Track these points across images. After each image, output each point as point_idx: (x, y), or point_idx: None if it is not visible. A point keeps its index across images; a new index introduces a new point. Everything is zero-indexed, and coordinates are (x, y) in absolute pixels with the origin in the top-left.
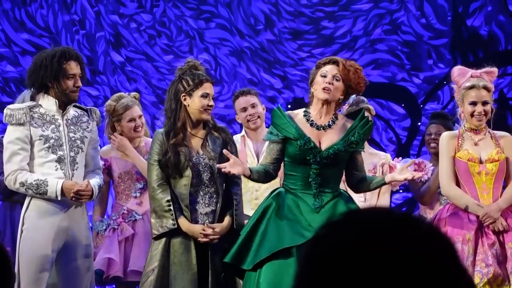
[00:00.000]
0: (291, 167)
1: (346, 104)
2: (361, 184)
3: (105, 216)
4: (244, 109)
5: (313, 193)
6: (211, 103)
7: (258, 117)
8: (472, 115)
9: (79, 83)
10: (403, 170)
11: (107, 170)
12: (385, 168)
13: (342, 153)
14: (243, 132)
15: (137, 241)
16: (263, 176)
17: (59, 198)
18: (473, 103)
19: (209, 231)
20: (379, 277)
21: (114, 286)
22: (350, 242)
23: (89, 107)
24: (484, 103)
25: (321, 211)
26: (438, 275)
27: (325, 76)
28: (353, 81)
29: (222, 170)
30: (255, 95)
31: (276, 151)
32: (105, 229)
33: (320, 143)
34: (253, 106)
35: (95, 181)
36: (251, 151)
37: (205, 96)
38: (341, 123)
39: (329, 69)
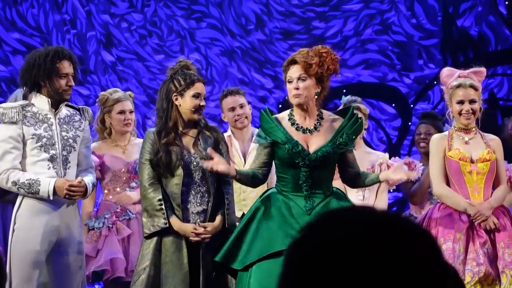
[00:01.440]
0: (281, 169)
1: (341, 106)
2: (356, 180)
3: (94, 211)
4: (232, 109)
5: (304, 195)
6: (203, 103)
7: (246, 117)
8: (460, 113)
9: (72, 82)
10: (397, 169)
11: (100, 167)
12: (383, 168)
13: (331, 154)
14: (229, 132)
15: (134, 241)
16: (250, 179)
17: (51, 198)
18: (461, 102)
19: (201, 230)
20: (361, 277)
21: (102, 285)
22: (331, 243)
23: (81, 106)
24: (471, 101)
25: (312, 213)
26: (421, 273)
27: (291, 82)
28: (322, 71)
29: (204, 166)
30: (243, 95)
31: (264, 155)
32: (101, 227)
33: (308, 146)
34: (241, 106)
35: (89, 179)
36: (237, 151)
37: (196, 96)
38: (328, 123)
39: (293, 72)
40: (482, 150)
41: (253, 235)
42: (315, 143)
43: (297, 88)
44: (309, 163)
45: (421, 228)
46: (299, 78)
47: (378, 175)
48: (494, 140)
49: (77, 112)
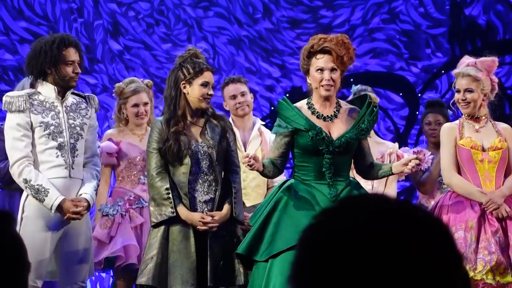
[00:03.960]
0: (302, 158)
1: (350, 96)
2: (369, 170)
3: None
4: (234, 97)
5: (328, 182)
6: (211, 92)
7: (247, 105)
8: (458, 102)
9: (78, 70)
10: (407, 163)
11: (116, 154)
12: (393, 157)
13: (353, 141)
14: (230, 121)
15: (147, 229)
16: (272, 170)
17: (52, 212)
18: (458, 91)
19: (208, 219)
20: (374, 264)
21: (111, 271)
22: (346, 230)
23: (87, 94)
24: (467, 91)
25: (337, 200)
26: (433, 261)
27: (321, 71)
28: (347, 61)
29: (248, 162)
30: (244, 83)
31: (283, 145)
32: (115, 214)
33: (330, 133)
34: (242, 94)
35: (92, 187)
36: (238, 140)
37: (205, 84)
38: (346, 111)
39: (324, 62)
40: (494, 139)
41: (275, 226)
42: (336, 130)
43: (330, 79)
44: (333, 149)
45: (434, 217)
46: (332, 70)
47: (391, 168)
48: (506, 129)
49: (83, 100)
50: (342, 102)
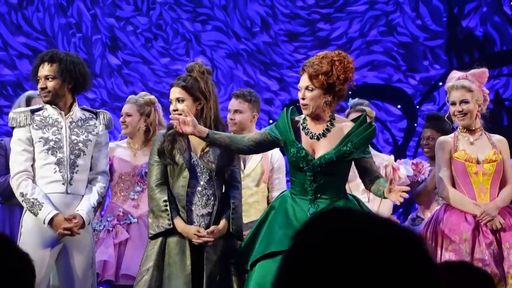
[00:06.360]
0: (291, 172)
1: (347, 108)
2: (370, 186)
3: (102, 213)
4: (229, 111)
5: (309, 199)
6: (172, 107)
7: (235, 123)
8: (454, 114)
9: (42, 85)
10: (393, 193)
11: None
12: (389, 170)
13: (335, 162)
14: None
15: (131, 245)
16: (228, 141)
17: (45, 226)
18: (453, 103)
19: (204, 232)
20: (352, 278)
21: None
22: (320, 247)
23: (98, 110)
24: (463, 102)
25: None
26: (410, 273)
27: (300, 90)
28: (330, 81)
29: (174, 123)
30: (246, 102)
31: (264, 135)
32: (101, 229)
33: (314, 152)
34: (235, 111)
35: (89, 204)
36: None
37: (171, 101)
38: (338, 130)
39: (301, 81)
40: (488, 151)
41: (262, 236)
42: (321, 149)
43: (303, 99)
44: (313, 168)
45: (410, 230)
46: (306, 88)
47: (383, 193)
48: (500, 141)
49: (94, 116)
50: (338, 119)
